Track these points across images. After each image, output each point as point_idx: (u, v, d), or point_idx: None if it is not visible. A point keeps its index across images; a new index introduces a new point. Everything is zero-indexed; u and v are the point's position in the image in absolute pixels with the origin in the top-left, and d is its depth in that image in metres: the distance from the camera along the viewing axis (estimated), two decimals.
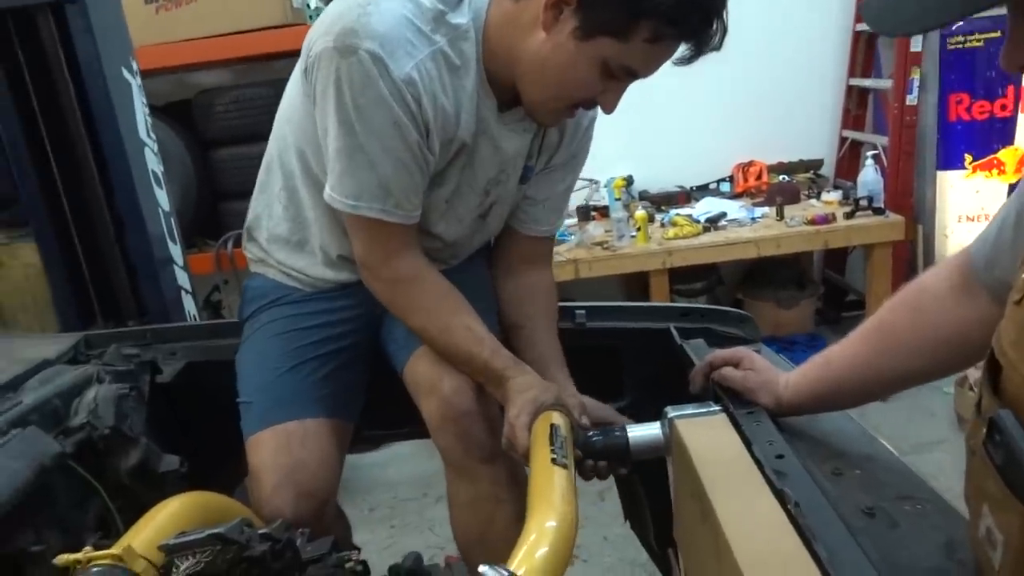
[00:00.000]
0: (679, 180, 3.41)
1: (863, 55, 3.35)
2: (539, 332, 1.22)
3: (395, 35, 0.98)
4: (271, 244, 1.28)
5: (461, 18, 1.03)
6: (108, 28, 1.80)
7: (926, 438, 2.42)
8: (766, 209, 3.08)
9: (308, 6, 2.73)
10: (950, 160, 3.03)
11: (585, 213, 3.21)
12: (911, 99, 3.03)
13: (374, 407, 1.31)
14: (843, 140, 3.46)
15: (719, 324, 1.33)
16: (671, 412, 1.01)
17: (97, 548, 0.81)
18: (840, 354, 0.93)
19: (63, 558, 0.79)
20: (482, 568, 0.64)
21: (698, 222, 2.99)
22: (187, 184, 2.72)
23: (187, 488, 1.02)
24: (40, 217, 1.80)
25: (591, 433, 1.03)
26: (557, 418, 0.97)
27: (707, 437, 0.94)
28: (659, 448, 1.03)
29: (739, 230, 2.96)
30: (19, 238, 2.00)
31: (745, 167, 3.38)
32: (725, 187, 3.40)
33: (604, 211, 3.19)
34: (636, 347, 1.37)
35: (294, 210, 1.22)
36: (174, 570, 0.79)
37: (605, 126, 3.73)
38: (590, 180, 3.32)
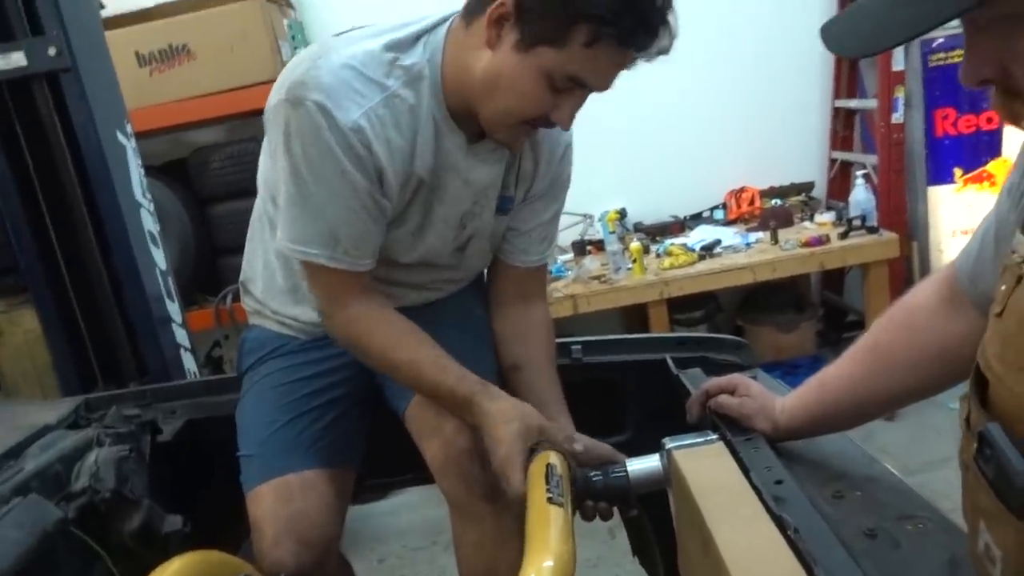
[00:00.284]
0: (672, 210, 3.43)
1: (847, 77, 3.39)
2: (537, 374, 1.22)
3: (343, 86, 1.00)
4: (265, 294, 1.29)
5: (414, 59, 1.05)
6: (102, 94, 1.83)
7: (934, 456, 2.39)
8: (760, 234, 3.10)
9: None
10: (940, 175, 3.05)
11: (581, 248, 3.23)
12: (897, 117, 3.06)
13: (377, 455, 1.31)
14: (833, 161, 3.49)
15: (715, 352, 1.33)
16: (669, 443, 1.01)
17: None
18: (834, 376, 0.94)
19: None
20: None
21: (693, 251, 3.00)
22: (185, 241, 2.76)
23: (191, 547, 1.01)
24: (39, 283, 1.82)
25: (591, 473, 1.03)
26: (553, 457, 0.97)
27: (705, 467, 0.94)
28: (660, 481, 1.03)
29: (734, 256, 2.97)
30: (19, 305, 2.02)
31: (737, 193, 3.40)
32: (719, 214, 3.42)
33: (599, 245, 3.21)
34: (634, 380, 1.38)
35: (283, 259, 1.24)
36: None
37: (596, 161, 3.78)
38: (584, 215, 3.35)
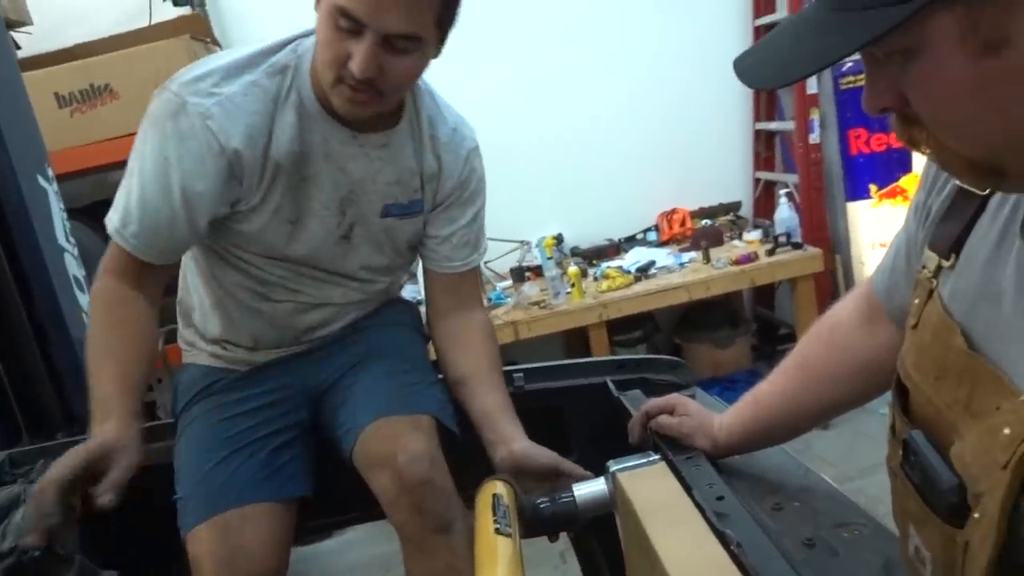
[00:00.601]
0: (607, 233, 3.50)
1: (765, 100, 3.54)
2: (481, 385, 1.23)
3: (207, 78, 1.08)
4: (202, 322, 1.30)
5: (281, 56, 1.12)
6: (20, 137, 1.78)
7: (868, 461, 2.48)
8: (693, 254, 3.19)
9: None
10: (857, 191, 3.20)
11: (519, 274, 3.26)
12: (813, 138, 3.20)
13: (322, 494, 1.29)
14: (757, 181, 3.62)
15: (653, 373, 1.36)
16: (613, 466, 1.02)
17: None
18: (767, 392, 0.97)
19: None
20: None
21: (629, 273, 3.07)
22: None
23: None
24: None
25: (538, 501, 1.03)
26: (500, 487, 0.97)
27: (649, 487, 0.95)
28: (606, 504, 1.04)
29: (669, 277, 3.05)
30: None
31: (669, 215, 3.50)
32: (652, 236, 3.50)
33: (538, 270, 3.25)
34: (577, 404, 1.39)
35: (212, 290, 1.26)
36: None
37: (532, 187, 3.82)
38: (521, 241, 3.39)
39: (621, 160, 3.50)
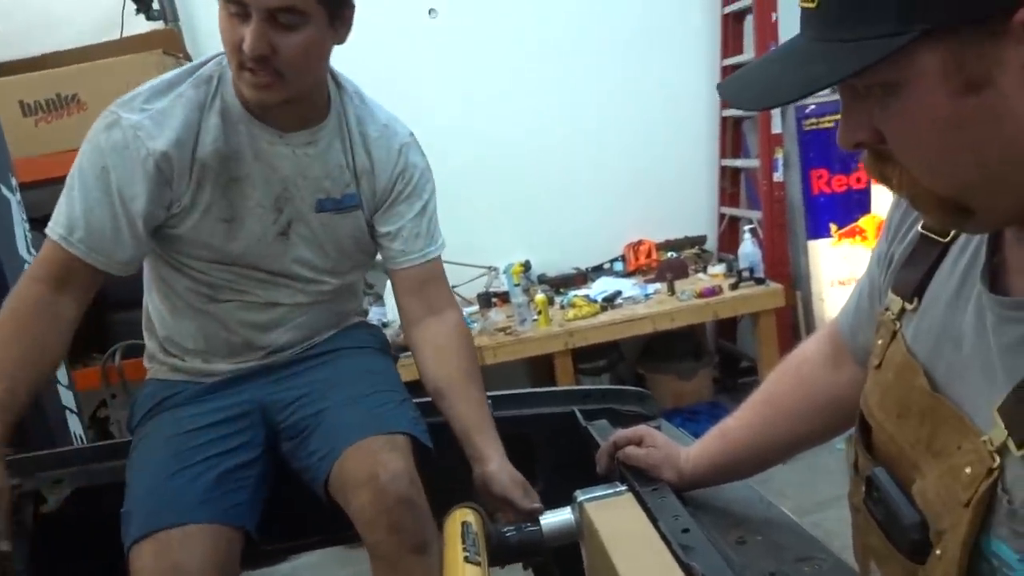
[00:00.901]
0: (574, 262, 3.53)
1: (731, 138, 3.62)
2: (458, 398, 1.24)
3: (137, 96, 1.18)
4: (161, 333, 1.32)
5: (207, 69, 1.21)
6: None
7: (827, 495, 2.52)
8: (658, 285, 3.23)
9: None
10: (818, 230, 3.27)
11: (486, 300, 3.27)
12: (777, 176, 3.28)
13: (276, 518, 1.27)
14: (722, 216, 3.69)
15: (620, 403, 1.37)
16: (580, 496, 1.03)
17: None
18: (734, 426, 0.99)
19: None
20: None
21: (596, 302, 3.09)
22: None
23: None
24: None
25: (505, 529, 1.04)
26: (469, 515, 0.97)
27: (616, 518, 0.96)
28: (572, 534, 1.04)
29: (634, 307, 3.08)
30: None
31: (635, 246, 3.54)
32: (618, 266, 3.54)
33: (504, 297, 3.26)
34: (544, 433, 1.40)
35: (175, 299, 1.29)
36: None
37: (501, 215, 3.84)
38: (488, 267, 3.40)
39: (590, 190, 3.54)
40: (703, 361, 3.44)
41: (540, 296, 3.04)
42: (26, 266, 1.80)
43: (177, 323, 1.31)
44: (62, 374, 1.86)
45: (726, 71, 3.56)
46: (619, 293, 3.16)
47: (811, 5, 0.57)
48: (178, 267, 1.26)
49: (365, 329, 1.45)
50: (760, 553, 0.89)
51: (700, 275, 3.34)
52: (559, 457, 1.38)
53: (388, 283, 2.62)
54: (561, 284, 3.39)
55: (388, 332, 1.94)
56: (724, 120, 3.62)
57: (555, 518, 1.05)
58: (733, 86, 0.65)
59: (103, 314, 2.71)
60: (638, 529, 0.93)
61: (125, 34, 2.98)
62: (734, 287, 3.11)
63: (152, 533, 1.08)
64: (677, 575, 0.82)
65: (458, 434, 1.23)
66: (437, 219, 1.36)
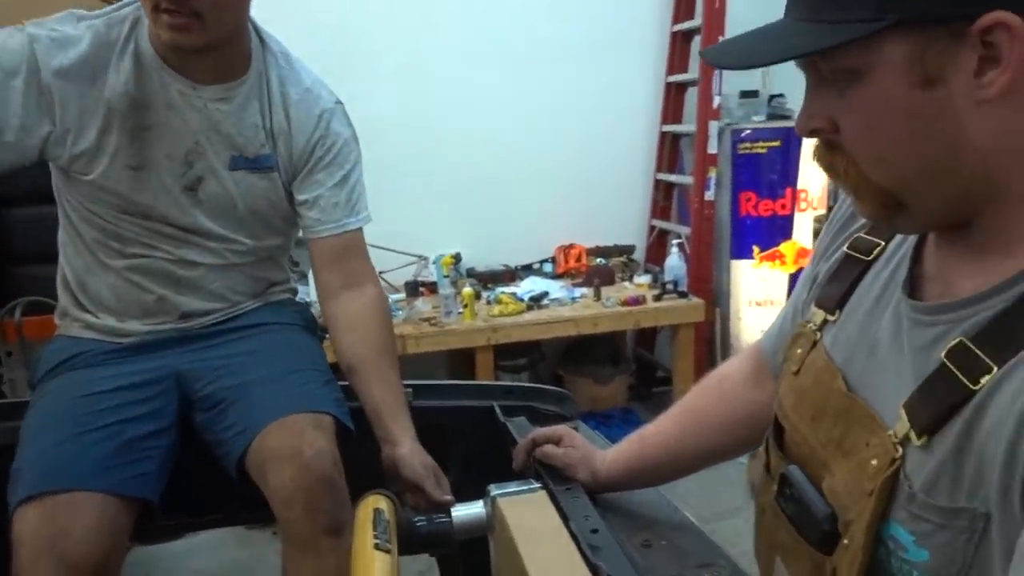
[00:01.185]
0: (504, 259, 3.54)
1: (669, 153, 3.70)
2: (371, 376, 1.23)
3: (48, 20, 1.15)
4: (75, 285, 1.27)
5: (124, 12, 1.19)
6: None
7: (726, 506, 2.61)
8: (585, 290, 3.27)
9: None
10: (741, 251, 3.38)
11: (413, 289, 3.24)
12: (709, 195, 3.37)
13: (177, 492, 1.22)
14: (652, 228, 3.77)
15: (540, 402, 1.38)
16: (494, 491, 1.03)
17: None
18: (653, 433, 1.01)
19: None
20: None
21: (522, 300, 3.11)
22: None
23: None
24: None
25: (416, 519, 1.03)
26: (382, 502, 0.96)
27: (527, 514, 0.97)
28: (483, 527, 1.04)
29: (560, 309, 3.11)
30: None
31: (566, 249, 3.58)
32: (548, 267, 3.57)
33: (432, 287, 3.24)
34: (461, 425, 1.40)
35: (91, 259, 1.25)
36: None
37: (434, 205, 3.82)
38: (419, 256, 3.37)
39: (527, 189, 3.56)
40: (621, 368, 3.51)
41: (468, 289, 3.03)
42: None
43: (90, 278, 1.26)
44: None
45: (670, 88, 3.64)
46: (546, 294, 3.18)
47: None
48: (87, 217, 1.23)
49: (291, 306, 1.42)
50: (665, 557, 0.91)
51: (626, 283, 3.40)
52: (474, 450, 1.38)
53: None
54: (490, 279, 3.39)
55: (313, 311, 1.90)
56: (663, 135, 3.69)
57: (466, 511, 1.05)
58: (715, 51, 0.69)
59: (4, 267, 2.56)
60: (548, 527, 0.93)
61: None
62: (657, 298, 3.18)
63: (39, 496, 1.03)
64: (583, 574, 0.83)
65: (369, 414, 1.21)
66: (362, 191, 1.33)
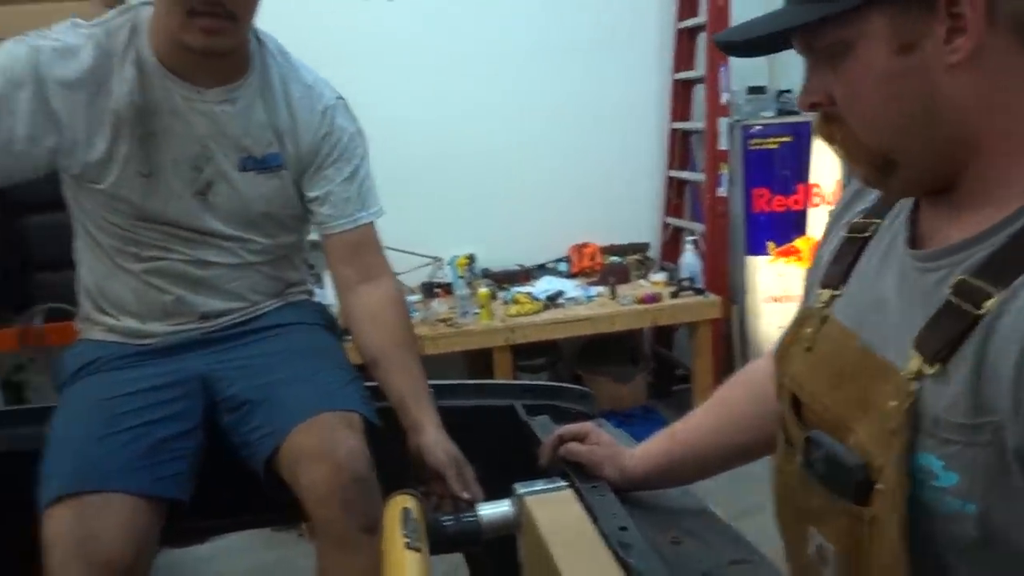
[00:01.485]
0: (519, 259, 3.54)
1: (679, 150, 3.69)
2: (391, 366, 1.24)
3: (49, 31, 1.17)
4: (95, 291, 1.28)
5: (120, 21, 1.20)
6: None
7: (752, 503, 2.59)
8: (600, 288, 3.26)
9: None
10: (756, 247, 3.37)
11: (429, 290, 3.24)
12: (721, 191, 3.35)
13: (204, 494, 1.22)
14: (666, 226, 3.75)
15: (561, 400, 1.38)
16: (520, 489, 1.03)
17: None
18: (683, 430, 1.00)
19: None
20: None
21: (539, 300, 3.11)
22: None
23: None
24: None
25: (443, 518, 1.03)
26: (409, 501, 0.96)
27: (555, 512, 0.96)
28: (510, 526, 1.04)
29: (576, 308, 3.11)
30: None
31: (580, 248, 3.57)
32: (563, 267, 3.56)
33: (448, 288, 3.24)
34: (483, 424, 1.39)
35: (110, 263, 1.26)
36: None
37: (448, 205, 3.83)
38: (434, 257, 3.37)
39: (540, 190, 3.55)
40: (640, 366, 3.50)
41: (483, 290, 3.03)
42: None
43: (109, 283, 1.27)
44: None
45: (677, 85, 3.63)
46: (562, 293, 3.18)
47: None
48: (102, 225, 1.24)
49: (311, 306, 1.42)
50: (695, 554, 0.90)
51: (641, 281, 3.39)
52: (497, 450, 1.38)
53: None
54: (505, 280, 3.39)
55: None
56: (674, 132, 3.68)
57: (493, 510, 1.05)
58: (722, 33, 0.76)
59: (26, 273, 2.58)
60: (577, 525, 0.93)
61: None
62: (674, 296, 3.16)
63: (70, 497, 1.04)
64: (614, 572, 0.82)
65: (393, 403, 1.22)
66: (372, 185, 1.34)
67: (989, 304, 0.60)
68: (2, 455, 1.25)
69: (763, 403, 0.93)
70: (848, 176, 2.86)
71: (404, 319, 1.33)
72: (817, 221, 3.31)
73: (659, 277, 3.36)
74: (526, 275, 3.46)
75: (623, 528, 0.91)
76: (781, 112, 3.32)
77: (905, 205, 0.75)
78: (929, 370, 0.63)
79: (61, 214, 2.45)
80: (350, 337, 1.35)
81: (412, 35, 3.33)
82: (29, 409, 1.37)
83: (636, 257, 3.61)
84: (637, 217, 3.73)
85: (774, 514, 0.84)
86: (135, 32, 1.18)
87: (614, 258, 3.55)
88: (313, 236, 1.41)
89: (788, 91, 3.37)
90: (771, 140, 3.28)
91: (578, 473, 1.05)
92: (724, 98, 3.30)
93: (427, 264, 3.36)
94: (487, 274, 3.42)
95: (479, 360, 3.15)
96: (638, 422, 3.24)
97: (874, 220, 0.78)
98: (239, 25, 1.13)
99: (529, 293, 3.17)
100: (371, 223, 1.33)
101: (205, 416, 1.22)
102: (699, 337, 3.19)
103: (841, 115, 0.68)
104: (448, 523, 1.03)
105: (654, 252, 3.74)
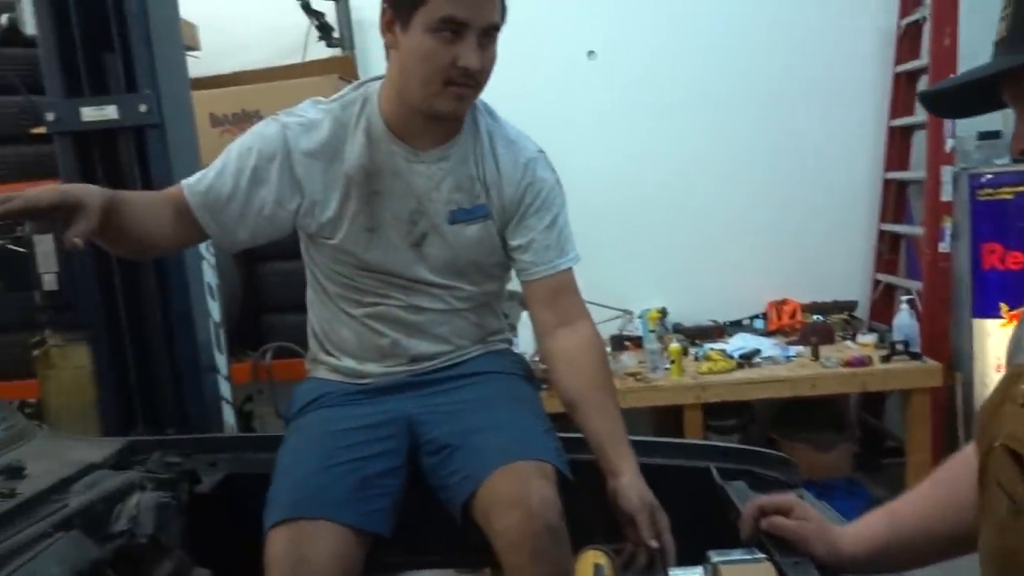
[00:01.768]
0: (712, 314, 3.44)
1: (894, 201, 3.44)
2: (591, 410, 1.27)
3: (297, 108, 1.33)
4: (321, 334, 1.43)
5: (353, 96, 1.33)
6: (182, 150, 1.92)
7: None
8: (800, 348, 3.08)
9: None
10: (985, 308, 3.02)
11: (618, 343, 3.23)
12: (943, 247, 3.07)
13: (399, 530, 1.28)
14: (876, 283, 3.49)
15: (759, 466, 1.32)
16: (715, 557, 0.99)
17: None
18: (903, 508, 0.92)
19: None
20: None
21: (732, 358, 2.99)
22: (233, 295, 2.81)
23: None
24: (97, 323, 1.86)
25: None
26: (601, 558, 0.96)
27: None
28: None
29: (774, 368, 2.96)
30: (73, 341, 2.07)
31: (779, 305, 3.41)
32: (759, 324, 3.42)
33: (637, 341, 3.21)
34: (675, 485, 1.35)
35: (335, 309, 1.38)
36: None
37: (638, 258, 3.82)
38: (624, 310, 3.37)
39: (736, 242, 3.46)
40: (844, 435, 3.24)
41: (675, 345, 2.98)
42: (203, 262, 1.97)
43: (334, 326, 1.40)
44: (222, 364, 2.00)
45: (893, 132, 3.40)
46: (758, 351, 3.04)
47: (997, 38, 0.70)
48: (330, 275, 1.37)
49: (510, 356, 1.48)
50: None
51: (848, 343, 3.16)
52: (688, 512, 1.33)
53: (523, 314, 2.66)
54: (697, 335, 3.30)
55: None
56: (887, 183, 3.44)
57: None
58: (931, 95, 0.79)
59: (258, 314, 2.91)
60: None
61: (307, 58, 3.23)
62: (885, 359, 2.91)
63: (290, 521, 1.14)
64: None
65: (592, 446, 1.25)
66: (569, 233, 1.39)
67: None
68: (238, 476, 1.40)
69: None
70: None
71: (602, 362, 1.35)
72: None
73: (868, 339, 3.12)
74: (719, 331, 3.35)
75: None
76: (1018, 159, 2.99)
77: None
78: None
79: (287, 263, 2.78)
80: (546, 387, 1.39)
81: (611, 88, 3.41)
82: (260, 436, 1.53)
83: (842, 316, 3.39)
84: (843, 273, 3.51)
85: None
86: (366, 103, 1.31)
87: (817, 316, 3.35)
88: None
89: None
90: (1005, 190, 2.96)
91: (779, 547, 0.99)
92: (948, 145, 3.04)
93: (617, 316, 3.36)
94: (678, 329, 3.35)
95: (667, 417, 3.07)
96: (839, 495, 2.98)
97: None
98: (478, 91, 1.25)
99: (723, 350, 3.06)
100: (569, 268, 1.38)
101: (408, 455, 1.30)
102: (914, 406, 2.90)
103: None
104: None
105: (862, 311, 3.48)
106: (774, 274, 3.47)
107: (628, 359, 3.04)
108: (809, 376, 2.87)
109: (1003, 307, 3.00)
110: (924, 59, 3.16)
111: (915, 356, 2.92)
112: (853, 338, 3.18)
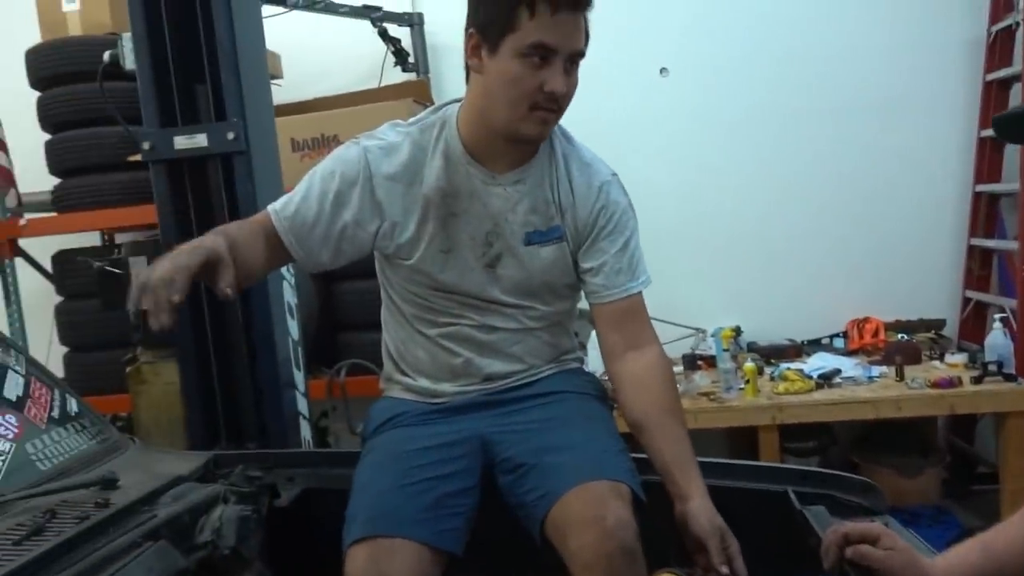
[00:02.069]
0: (788, 333, 3.35)
1: (984, 215, 3.28)
2: (657, 432, 1.26)
3: (377, 131, 1.36)
4: (396, 354, 1.45)
5: (432, 119, 1.36)
6: (266, 175, 2.00)
7: None
8: (884, 368, 2.96)
9: None
10: None
11: (691, 362, 3.18)
12: None
13: (471, 549, 1.29)
14: (967, 300, 3.32)
15: (841, 491, 1.28)
16: None
17: None
18: (997, 539, 0.88)
19: None
20: None
21: (811, 378, 2.90)
22: (310, 314, 2.90)
23: None
24: (186, 341, 1.95)
25: None
26: None
27: None
28: None
29: (855, 389, 2.85)
30: (163, 358, 2.17)
31: (860, 323, 3.29)
32: (838, 343, 3.31)
33: (711, 361, 3.15)
34: (752, 509, 1.32)
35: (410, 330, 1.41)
36: None
37: (711, 276, 3.77)
38: (696, 329, 3.31)
39: (813, 259, 3.37)
40: (931, 459, 3.08)
41: (749, 364, 2.90)
42: (283, 282, 2.04)
43: (409, 347, 1.42)
44: (300, 381, 2.06)
45: (983, 142, 3.25)
46: (838, 371, 2.93)
47: None
48: (405, 296, 1.39)
49: (584, 375, 1.48)
50: None
51: (935, 363, 3.02)
52: (761, 538, 1.30)
53: (592, 333, 2.65)
54: (772, 354, 3.22)
55: None
56: (977, 196, 3.29)
57: None
58: (1006, 119, 0.75)
59: (334, 332, 2.98)
60: None
61: (384, 83, 3.32)
62: (976, 381, 2.77)
63: (369, 538, 1.16)
64: None
65: (659, 470, 1.24)
66: (641, 256, 1.39)
67: None
68: (314, 491, 1.44)
69: None
70: None
71: (670, 386, 1.34)
72: None
73: (957, 359, 2.98)
74: (796, 351, 3.25)
75: None
76: None
77: None
78: None
79: (362, 282, 2.85)
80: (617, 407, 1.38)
81: (683, 104, 3.38)
82: (336, 452, 1.57)
83: (928, 335, 3.24)
84: (929, 290, 3.36)
85: None
86: (444, 126, 1.33)
87: (901, 335, 3.21)
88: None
89: None
90: None
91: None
92: None
93: (689, 335, 3.31)
94: (753, 348, 3.28)
95: (742, 438, 2.99)
96: (927, 523, 2.84)
97: None
98: (560, 116, 1.27)
99: (800, 370, 2.97)
100: (639, 292, 1.37)
101: (482, 474, 1.31)
102: (1009, 431, 2.74)
103: None
104: None
105: (950, 330, 3.32)
106: (854, 292, 3.35)
107: (701, 378, 2.99)
108: (894, 398, 2.75)
109: None
110: (1017, 66, 3.02)
111: (1009, 377, 2.76)
112: (941, 358, 3.04)
